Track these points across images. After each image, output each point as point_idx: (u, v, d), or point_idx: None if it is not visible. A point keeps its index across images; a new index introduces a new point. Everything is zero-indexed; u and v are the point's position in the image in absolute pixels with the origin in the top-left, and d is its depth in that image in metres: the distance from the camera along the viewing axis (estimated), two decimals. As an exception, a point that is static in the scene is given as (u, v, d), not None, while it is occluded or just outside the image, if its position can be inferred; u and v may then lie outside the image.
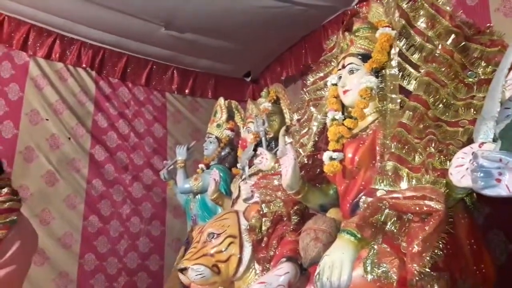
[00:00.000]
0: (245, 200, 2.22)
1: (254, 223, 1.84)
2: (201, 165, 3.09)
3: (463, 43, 1.37)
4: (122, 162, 4.05)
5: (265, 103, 2.58)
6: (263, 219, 1.82)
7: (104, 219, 3.81)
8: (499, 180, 0.89)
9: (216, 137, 3.11)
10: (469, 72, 1.34)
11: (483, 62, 1.34)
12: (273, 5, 3.17)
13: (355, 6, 2.94)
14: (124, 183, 3.98)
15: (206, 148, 3.10)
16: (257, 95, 4.43)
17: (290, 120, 2.42)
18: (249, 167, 2.38)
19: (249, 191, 2.18)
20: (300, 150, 1.84)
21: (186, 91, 4.45)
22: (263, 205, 1.83)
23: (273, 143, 2.45)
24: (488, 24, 1.47)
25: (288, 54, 4.07)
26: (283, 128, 2.40)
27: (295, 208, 1.76)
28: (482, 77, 1.31)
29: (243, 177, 2.38)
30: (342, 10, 3.20)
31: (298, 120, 2.00)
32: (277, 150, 2.32)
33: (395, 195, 1.11)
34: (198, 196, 2.98)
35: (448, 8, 1.46)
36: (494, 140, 1.01)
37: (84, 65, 3.92)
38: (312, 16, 3.36)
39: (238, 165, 2.61)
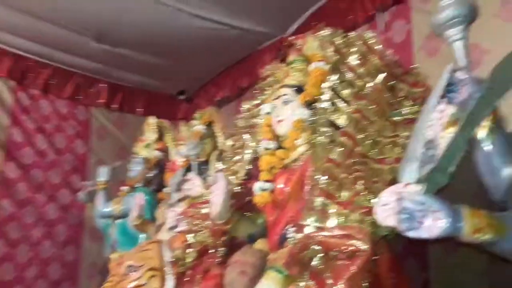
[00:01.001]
0: (171, 228, 2.11)
1: (179, 254, 1.74)
2: (124, 188, 2.90)
3: (391, 82, 1.43)
4: (37, 180, 3.71)
5: (198, 126, 2.51)
6: (188, 250, 1.73)
7: (12, 243, 3.44)
8: (421, 223, 0.91)
9: (144, 158, 2.95)
10: (396, 111, 1.40)
11: (408, 101, 1.41)
12: (210, 26, 3.15)
13: (292, 36, 3.08)
14: (38, 203, 3.64)
15: (131, 169, 2.93)
16: (190, 114, 4.35)
17: (223, 144, 2.37)
18: (177, 192, 2.28)
19: (176, 219, 2.08)
20: (232, 177, 1.80)
21: (114, 106, 4.23)
22: (189, 235, 1.75)
23: (204, 167, 2.38)
24: (414, 65, 1.55)
25: (224, 76, 4.06)
26: (215, 152, 2.35)
27: (223, 239, 1.70)
28: (408, 116, 1.37)
29: (170, 203, 2.27)
30: (279, 37, 3.26)
31: (231, 147, 1.97)
32: (208, 175, 2.26)
33: (323, 233, 1.10)
34: (119, 221, 2.79)
35: (378, 47, 1.52)
36: (420, 180, 1.03)
37: (1, 74, 3.59)
38: (248, 40, 3.40)
39: (165, 190, 2.50)
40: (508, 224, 0.91)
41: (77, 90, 3.99)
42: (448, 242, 0.93)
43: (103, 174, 2.93)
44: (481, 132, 1.09)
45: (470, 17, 1.17)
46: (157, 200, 2.70)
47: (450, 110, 1.20)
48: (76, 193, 3.36)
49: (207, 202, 1.74)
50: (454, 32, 1.17)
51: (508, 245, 0.91)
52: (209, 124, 2.56)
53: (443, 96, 1.15)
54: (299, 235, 1.20)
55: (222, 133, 2.45)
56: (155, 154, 2.95)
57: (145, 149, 2.95)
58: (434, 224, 0.89)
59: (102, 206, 2.80)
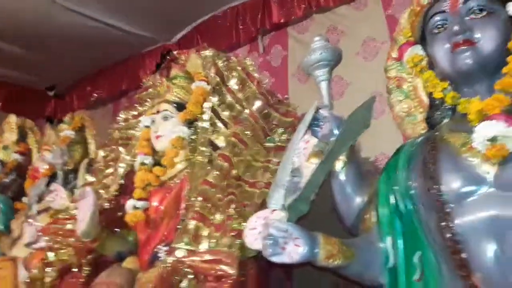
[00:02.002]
0: (28, 244, 1.90)
1: (36, 274, 1.58)
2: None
3: (266, 110, 1.52)
4: None
5: (67, 131, 2.31)
6: (48, 270, 1.59)
7: None
8: (284, 249, 0.98)
9: (1, 161, 2.61)
10: (269, 137, 1.50)
11: (280, 129, 1.52)
12: (89, 24, 2.94)
13: (176, 44, 3.05)
14: None
15: (-15, 174, 2.57)
16: (59, 111, 3.99)
17: (94, 153, 2.23)
18: (38, 203, 2.07)
19: (35, 234, 1.89)
20: (102, 191, 1.71)
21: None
22: (49, 253, 1.60)
23: (72, 175, 2.21)
24: (286, 96, 1.67)
25: (102, 76, 3.82)
26: (85, 161, 2.20)
27: (89, 257, 1.60)
28: (279, 143, 1.48)
29: (29, 215, 2.05)
30: (162, 44, 3.20)
31: (104, 158, 1.87)
32: (76, 186, 2.09)
33: (194, 257, 1.12)
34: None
35: (256, 74, 1.60)
36: (285, 207, 1.12)
37: None
38: (130, 43, 3.26)
39: (24, 199, 2.24)
40: (356, 250, 1.04)
41: None
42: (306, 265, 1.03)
43: None
44: (338, 165, 1.23)
45: (334, 61, 1.31)
46: (13, 210, 2.40)
47: (314, 142, 1.33)
48: None
49: (72, 218, 1.62)
50: (320, 73, 1.31)
51: (355, 269, 1.04)
52: (80, 129, 2.38)
53: (308, 129, 1.26)
54: (170, 258, 1.20)
55: (94, 140, 2.30)
56: (15, 157, 2.62)
57: (3, 151, 2.61)
58: (294, 250, 0.97)
59: None
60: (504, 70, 0.92)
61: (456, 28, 0.95)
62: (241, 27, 2.61)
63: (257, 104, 1.50)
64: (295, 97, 2.33)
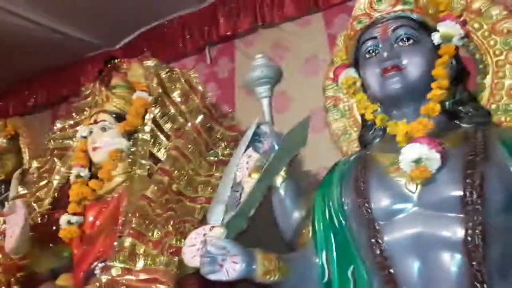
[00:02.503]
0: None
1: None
2: None
3: (210, 123, 1.52)
4: None
5: (-2, 139, 2.17)
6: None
7: None
8: (221, 266, 0.98)
9: None
10: (211, 151, 1.49)
11: (223, 143, 1.52)
12: (27, 26, 2.79)
13: (120, 50, 2.97)
14: None
15: None
16: (-7, 116, 3.73)
17: (28, 162, 2.11)
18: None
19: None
20: (35, 205, 1.62)
21: None
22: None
23: (3, 186, 2.08)
24: (231, 110, 1.68)
25: (41, 80, 3.63)
26: (18, 171, 2.08)
27: (18, 275, 1.51)
28: (221, 157, 1.48)
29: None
30: (106, 50, 3.10)
31: (38, 169, 1.77)
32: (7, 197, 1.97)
33: (129, 276, 1.09)
34: None
35: (200, 87, 1.60)
36: (224, 224, 1.12)
37: None
38: (72, 48, 3.13)
39: None
40: (292, 265, 1.06)
41: None
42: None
43: None
44: (277, 180, 1.26)
45: (275, 79, 1.35)
46: None
47: (256, 157, 1.34)
48: None
49: (1, 233, 1.52)
50: (262, 90, 1.33)
51: (291, 284, 1.06)
52: (13, 137, 2.25)
53: (250, 144, 1.28)
54: (105, 277, 1.16)
55: (28, 149, 2.18)
56: None
57: None
58: (231, 267, 0.97)
59: None
60: (429, 96, 0.99)
61: (385, 54, 1.01)
62: (188, 37, 2.59)
63: (200, 117, 1.50)
64: (242, 109, 2.36)
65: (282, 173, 1.25)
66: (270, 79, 1.33)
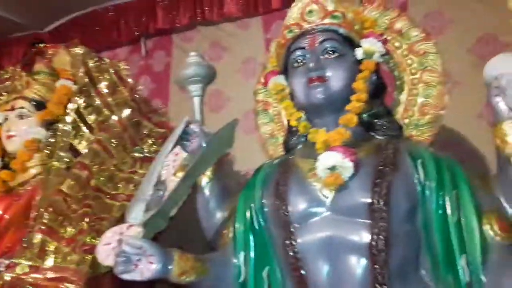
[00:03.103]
0: None
1: None
2: None
3: (137, 118, 1.48)
4: None
5: None
6: None
7: None
8: (136, 266, 0.96)
9: None
10: (137, 147, 1.45)
11: (150, 140, 1.48)
12: None
13: (48, 34, 2.79)
14: None
15: None
16: None
17: None
18: None
19: None
20: None
21: None
22: None
23: None
24: (164, 105, 1.64)
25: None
26: None
27: None
28: (147, 154, 1.44)
29: None
30: (33, 32, 2.90)
31: None
32: None
33: (36, 274, 1.03)
34: None
35: (130, 80, 1.55)
36: (142, 223, 1.09)
37: None
38: (-5, 26, 2.89)
39: None
40: (209, 266, 1.06)
41: None
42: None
43: None
44: (203, 180, 1.25)
45: (208, 78, 1.34)
46: None
47: (184, 156, 1.33)
48: None
49: None
50: (194, 88, 1.32)
51: (207, 284, 1.06)
52: None
53: (178, 143, 1.26)
54: (9, 275, 1.08)
55: None
56: None
57: None
58: (147, 267, 0.96)
59: None
60: (348, 107, 1.04)
61: (311, 65, 1.05)
62: (123, 26, 2.49)
63: (128, 111, 1.45)
64: (176, 106, 2.32)
65: (208, 173, 1.25)
66: (202, 78, 1.32)
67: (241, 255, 1.10)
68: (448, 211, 0.93)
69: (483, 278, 0.89)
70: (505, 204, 0.93)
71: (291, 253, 0.99)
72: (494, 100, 0.91)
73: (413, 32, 1.16)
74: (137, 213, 1.12)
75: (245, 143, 1.92)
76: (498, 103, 0.90)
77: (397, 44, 1.18)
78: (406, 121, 1.15)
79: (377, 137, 1.09)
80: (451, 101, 1.70)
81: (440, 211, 0.94)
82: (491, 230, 0.91)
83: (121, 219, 1.20)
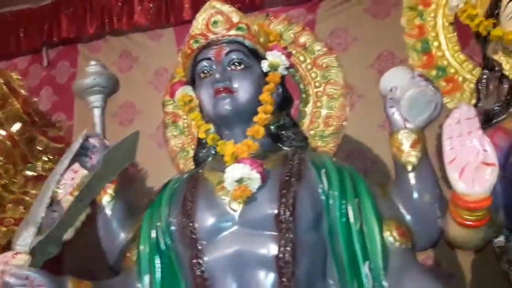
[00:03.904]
0: None
1: None
2: None
3: (30, 133, 1.34)
4: None
5: None
6: None
7: None
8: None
9: None
10: (29, 165, 1.31)
11: (45, 156, 1.35)
12: None
13: None
14: None
15: None
16: None
17: None
18: None
19: None
20: None
21: None
22: None
23: None
24: (66, 119, 1.52)
25: None
26: None
27: None
28: (41, 172, 1.31)
29: None
30: None
31: None
32: None
33: None
34: None
35: (23, 92, 1.40)
36: (31, 249, 0.98)
37: None
38: None
39: None
40: None
41: None
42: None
43: None
44: (104, 198, 1.16)
45: (109, 88, 1.26)
46: None
47: (83, 173, 1.22)
48: None
49: None
50: (93, 99, 1.23)
51: None
52: None
53: (76, 159, 1.15)
54: None
55: None
56: None
57: None
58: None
59: None
60: (255, 119, 1.03)
61: (218, 75, 1.03)
62: (22, 34, 2.29)
63: (18, 125, 1.30)
64: (81, 119, 2.16)
65: (110, 190, 1.16)
66: (103, 88, 1.24)
67: (146, 278, 1.02)
68: (351, 219, 0.95)
69: (385, 283, 0.91)
70: (403, 211, 0.98)
71: (198, 273, 0.94)
72: (389, 111, 0.96)
73: (316, 46, 1.20)
74: (25, 239, 1.01)
75: (158, 158, 1.84)
76: (393, 113, 0.95)
77: (302, 58, 1.21)
78: (312, 132, 1.18)
79: (284, 148, 1.09)
80: (356, 113, 1.82)
81: (343, 219, 0.95)
82: (391, 236, 0.95)
83: (7, 247, 1.06)
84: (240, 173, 0.93)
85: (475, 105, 1.05)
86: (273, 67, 1.07)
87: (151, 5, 2.09)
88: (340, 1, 1.90)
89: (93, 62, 1.25)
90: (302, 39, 1.21)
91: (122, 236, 1.15)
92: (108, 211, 1.15)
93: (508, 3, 0.96)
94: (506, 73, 1.02)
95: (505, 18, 0.97)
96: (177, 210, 1.02)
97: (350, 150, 1.82)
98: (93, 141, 1.16)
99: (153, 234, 1.05)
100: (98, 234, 1.16)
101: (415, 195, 0.95)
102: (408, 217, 0.97)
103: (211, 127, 1.09)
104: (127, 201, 1.21)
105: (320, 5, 1.93)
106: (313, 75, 1.19)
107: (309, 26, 1.86)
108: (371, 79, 1.78)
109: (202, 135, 1.08)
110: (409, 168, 0.93)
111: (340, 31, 1.90)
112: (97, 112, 1.25)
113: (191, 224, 0.96)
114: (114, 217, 1.16)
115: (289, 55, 1.10)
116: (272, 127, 1.07)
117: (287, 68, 1.09)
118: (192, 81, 1.13)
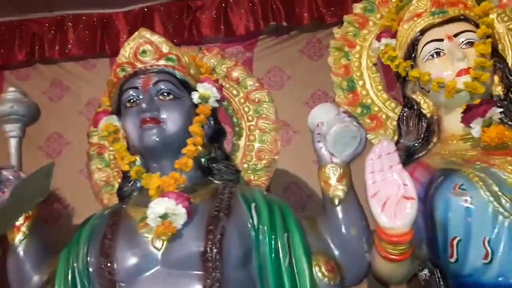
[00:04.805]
0: None
1: None
2: None
3: None
4: None
5: None
6: None
7: None
8: None
9: None
10: None
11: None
12: None
13: None
14: None
15: None
16: None
17: None
18: None
19: None
20: None
21: None
22: None
23: None
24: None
25: None
26: None
27: None
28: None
29: None
30: None
31: None
32: None
33: None
34: None
35: None
36: None
37: None
38: None
39: None
40: None
41: None
42: None
43: None
44: (17, 237, 1.05)
45: (28, 117, 1.18)
46: None
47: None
48: None
49: None
50: (10, 128, 1.14)
51: None
52: None
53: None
54: None
55: None
56: None
57: None
58: None
59: None
60: (183, 150, 1.00)
61: (144, 105, 0.99)
62: None
63: None
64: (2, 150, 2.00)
65: (24, 228, 1.05)
66: (21, 117, 1.15)
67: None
68: (281, 254, 0.93)
69: (313, 320, 0.89)
70: (332, 245, 0.97)
71: (116, 317, 0.86)
72: (317, 145, 0.97)
73: (249, 81, 1.22)
74: None
75: (88, 193, 1.73)
76: (320, 148, 0.96)
77: (235, 92, 1.22)
78: (245, 165, 1.16)
79: (215, 181, 1.06)
80: (292, 148, 1.84)
81: (273, 255, 0.93)
82: (320, 272, 0.93)
83: None
84: (164, 208, 0.88)
85: (397, 142, 1.09)
86: (204, 99, 1.05)
87: (86, 33, 2.03)
88: (276, 41, 1.96)
89: (11, 89, 1.17)
90: (235, 74, 1.21)
91: (36, 279, 1.04)
92: (20, 251, 1.04)
93: (423, 47, 1.03)
94: (424, 111, 1.08)
95: (421, 60, 1.04)
96: (95, 249, 0.94)
97: (287, 184, 1.83)
98: (6, 173, 1.06)
99: (69, 276, 0.96)
100: (8, 278, 1.04)
101: (343, 229, 0.95)
102: (336, 252, 0.96)
103: (137, 159, 1.04)
104: (44, 240, 1.10)
105: (258, 44, 1.97)
106: (246, 109, 1.19)
107: (247, 63, 1.91)
108: (306, 116, 1.81)
109: (125, 168, 1.03)
110: (336, 201, 0.94)
111: (276, 70, 1.95)
112: (13, 142, 1.15)
113: (109, 265, 0.89)
114: (27, 258, 1.04)
115: (220, 88, 1.09)
116: (202, 160, 1.04)
117: (218, 101, 1.08)
118: (118, 111, 1.08)
